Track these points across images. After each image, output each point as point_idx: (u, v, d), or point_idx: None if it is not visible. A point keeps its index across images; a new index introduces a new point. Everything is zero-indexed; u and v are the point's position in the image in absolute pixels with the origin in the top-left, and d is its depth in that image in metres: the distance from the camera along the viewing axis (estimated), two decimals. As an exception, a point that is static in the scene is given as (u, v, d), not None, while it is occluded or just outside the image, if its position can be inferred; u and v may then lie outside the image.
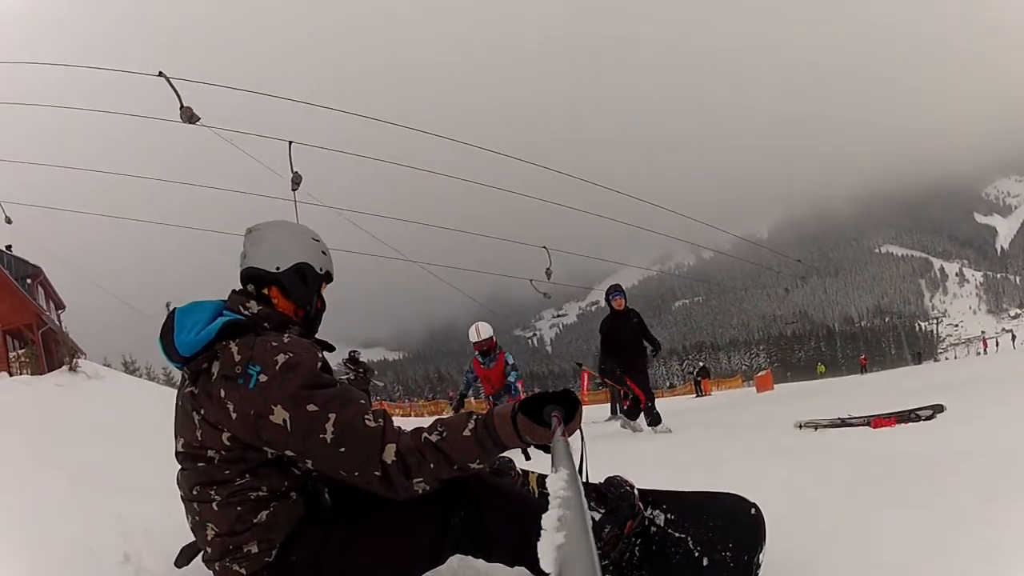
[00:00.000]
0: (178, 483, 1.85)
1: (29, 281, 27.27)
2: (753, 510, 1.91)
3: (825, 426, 5.88)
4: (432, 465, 1.63)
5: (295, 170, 8.51)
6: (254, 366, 1.68)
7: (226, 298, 1.95)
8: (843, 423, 5.82)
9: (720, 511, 1.93)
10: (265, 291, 1.94)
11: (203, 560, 1.83)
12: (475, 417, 1.67)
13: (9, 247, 28.01)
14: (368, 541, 1.75)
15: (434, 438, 1.65)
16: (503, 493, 1.83)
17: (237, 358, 1.71)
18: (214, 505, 1.74)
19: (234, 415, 1.68)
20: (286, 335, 1.81)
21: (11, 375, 19.18)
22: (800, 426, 6.05)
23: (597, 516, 1.94)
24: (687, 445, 6.22)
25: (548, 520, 0.88)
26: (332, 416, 1.64)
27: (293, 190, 8.27)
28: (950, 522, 2.23)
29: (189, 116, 7.92)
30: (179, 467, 1.84)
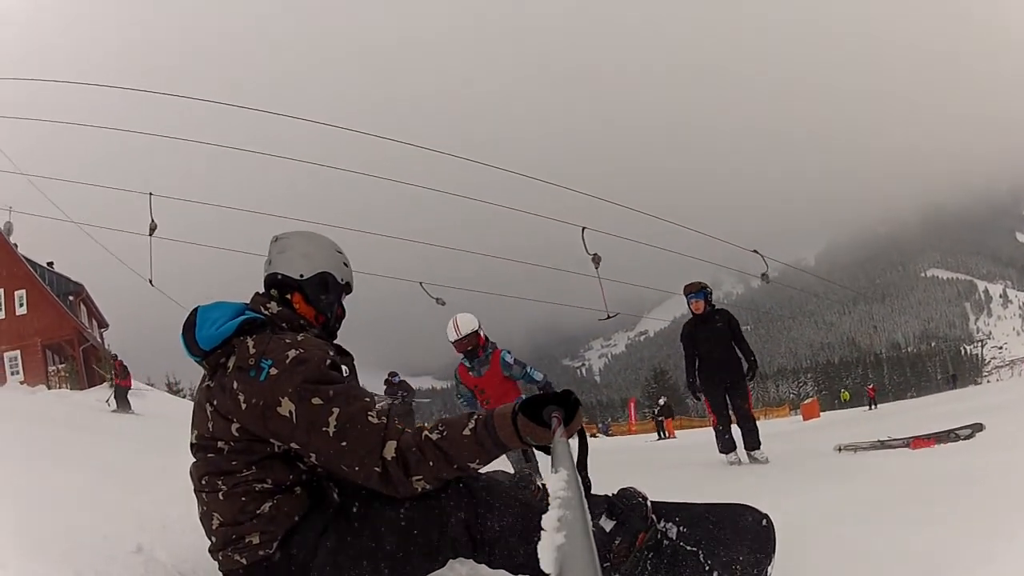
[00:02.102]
0: (190, 474, 1.89)
1: (71, 298, 28.32)
2: (764, 521, 1.88)
3: (865, 448, 5.71)
4: (431, 463, 1.64)
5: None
6: (266, 360, 1.74)
7: (248, 301, 2.01)
8: (883, 445, 5.65)
9: (732, 524, 1.89)
10: (288, 296, 2.02)
11: (208, 550, 1.86)
12: (476, 416, 1.67)
13: (51, 264, 29.16)
14: (365, 539, 1.75)
15: (435, 436, 1.65)
16: (505, 497, 1.81)
17: (252, 351, 1.78)
18: (220, 495, 1.79)
19: (244, 406, 1.73)
20: (301, 335, 1.87)
21: (49, 388, 19.76)
22: (840, 449, 5.88)
23: (608, 527, 1.89)
24: (718, 472, 6.01)
25: (548, 520, 0.87)
26: (336, 410, 1.68)
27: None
28: (977, 545, 2.14)
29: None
30: (192, 459, 1.89)
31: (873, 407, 27.94)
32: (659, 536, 1.89)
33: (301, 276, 2.02)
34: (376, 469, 1.65)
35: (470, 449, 1.63)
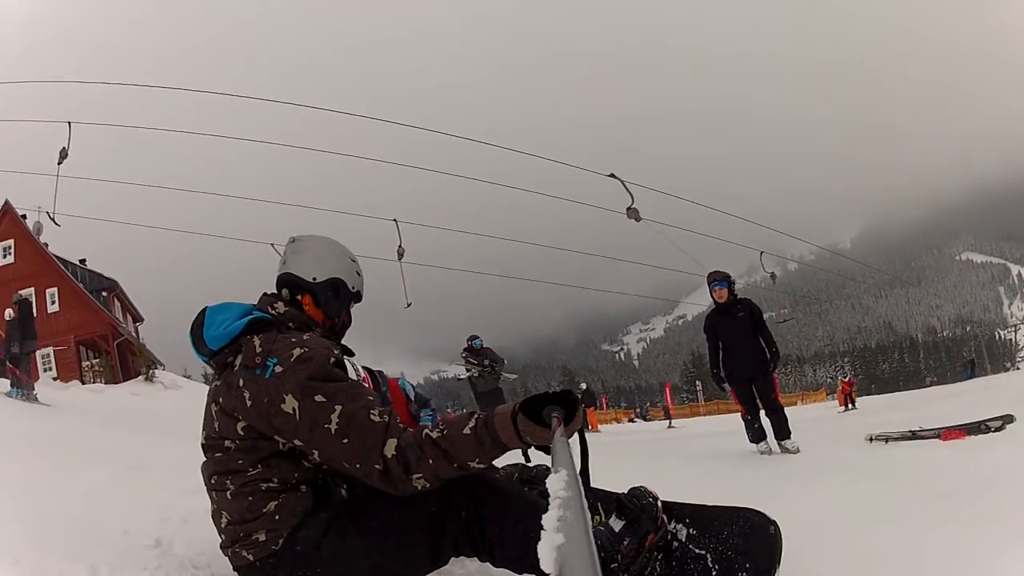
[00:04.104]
0: (201, 472, 1.95)
1: (105, 294, 28.73)
2: (772, 528, 1.85)
3: (896, 439, 5.59)
4: (431, 461, 1.64)
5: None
6: (272, 358, 1.78)
7: (257, 301, 2.05)
8: (914, 436, 5.53)
9: (741, 529, 1.87)
10: (299, 297, 2.06)
11: (220, 547, 1.92)
12: (476, 416, 1.68)
13: (83, 261, 29.68)
14: (366, 538, 1.79)
15: (435, 435, 1.66)
16: (505, 496, 1.82)
17: (258, 350, 1.82)
18: (228, 494, 1.84)
19: (249, 403, 1.77)
20: (307, 334, 1.91)
21: (83, 383, 20.12)
22: (871, 439, 5.76)
23: (618, 527, 1.88)
24: (743, 464, 5.90)
25: (548, 520, 0.88)
26: (338, 408, 1.70)
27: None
28: (1000, 547, 2.06)
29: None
30: (203, 458, 1.95)
31: (851, 407, 20.90)
32: (669, 537, 1.88)
33: (314, 279, 2.05)
34: (377, 467, 1.66)
35: (470, 448, 1.63)
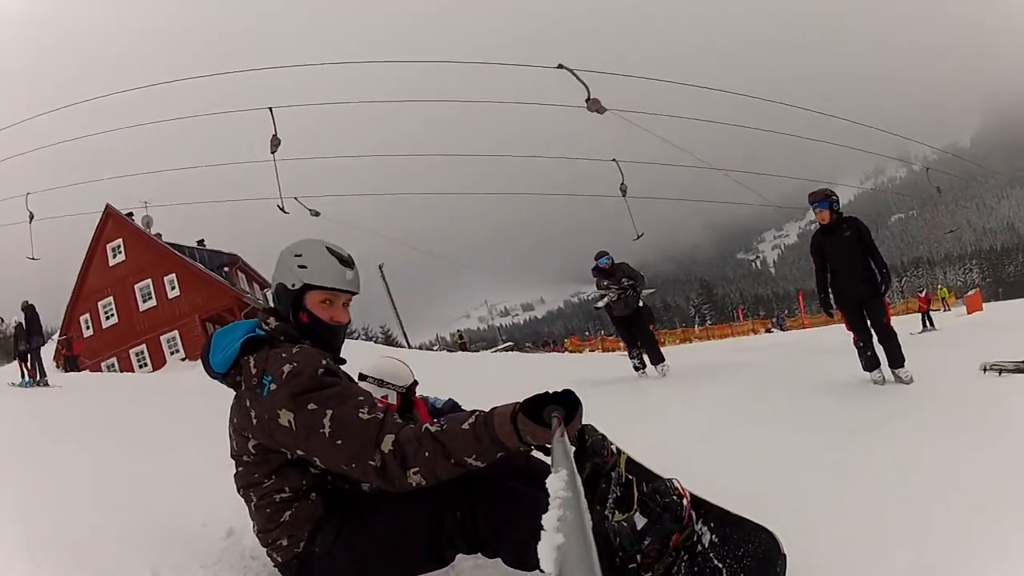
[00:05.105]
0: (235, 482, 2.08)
1: (226, 269, 30.44)
2: (780, 562, 1.81)
3: (1011, 370, 5.04)
4: (427, 454, 1.66)
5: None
6: (267, 376, 1.86)
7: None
8: (1030, 367, 4.96)
9: (756, 551, 1.83)
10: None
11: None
12: (477, 413, 1.70)
13: (201, 241, 31.57)
14: (372, 537, 1.88)
15: (434, 429, 1.69)
16: (501, 495, 1.84)
17: (254, 371, 1.91)
18: (252, 506, 1.99)
19: (255, 421, 1.88)
20: (296, 347, 1.94)
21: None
22: (985, 369, 5.23)
23: (640, 524, 1.80)
24: (852, 398, 5.46)
25: (548, 520, 0.89)
26: (329, 412, 1.76)
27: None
28: None
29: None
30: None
31: (928, 327, 18.03)
32: (695, 538, 1.79)
33: (272, 289, 2.11)
34: (371, 463, 1.70)
35: (467, 443, 1.64)
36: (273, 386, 1.83)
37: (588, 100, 10.74)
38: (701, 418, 5.23)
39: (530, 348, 45.13)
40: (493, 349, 39.28)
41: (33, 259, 20.03)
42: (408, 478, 1.68)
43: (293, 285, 2.03)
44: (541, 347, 45.41)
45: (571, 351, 35.53)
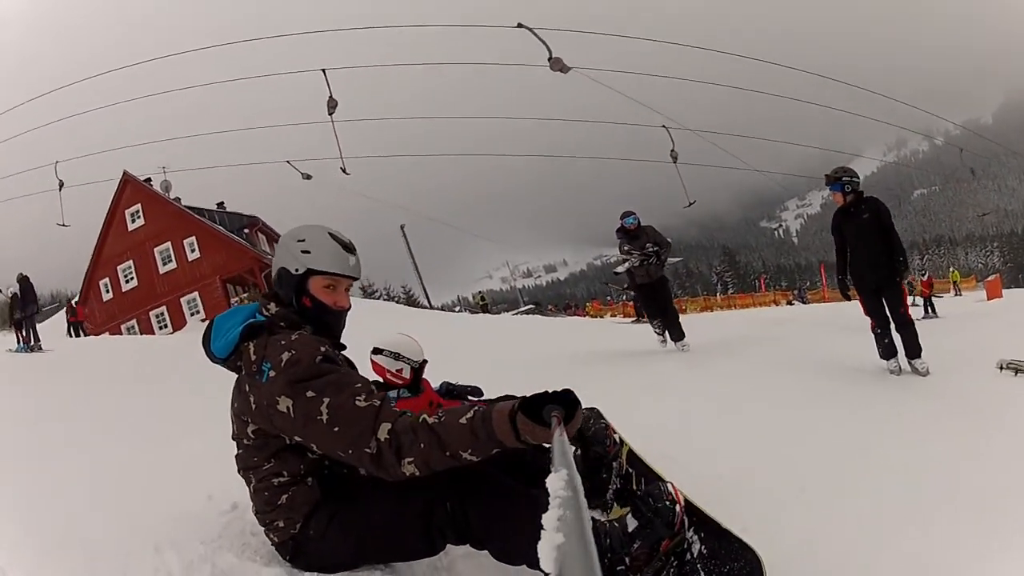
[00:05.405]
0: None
1: (247, 231, 30.68)
2: None
3: (1024, 369, 4.88)
4: (423, 445, 1.68)
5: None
6: (266, 363, 1.89)
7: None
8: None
9: (743, 569, 1.83)
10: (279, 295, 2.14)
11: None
12: (476, 408, 1.70)
13: (221, 204, 31.78)
14: (365, 523, 1.93)
15: (431, 420, 1.71)
16: (493, 490, 1.85)
17: (253, 357, 1.94)
18: (251, 488, 2.05)
19: (254, 407, 1.91)
20: (295, 333, 1.97)
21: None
22: (1002, 368, 5.08)
23: (631, 527, 1.79)
24: (865, 387, 5.36)
25: (548, 520, 0.89)
26: (326, 400, 1.79)
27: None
28: None
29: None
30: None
31: (930, 313, 17.04)
32: (686, 546, 1.80)
33: (273, 275, 2.13)
34: (367, 450, 1.72)
35: (463, 437, 1.65)
36: (272, 373, 1.86)
37: (550, 59, 10.75)
38: (710, 396, 5.17)
39: (552, 311, 44.58)
40: (514, 311, 39.33)
41: (63, 226, 20.39)
42: (402, 467, 1.70)
43: (296, 270, 2.04)
44: (563, 310, 45.16)
45: (592, 315, 35.21)
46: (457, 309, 69.72)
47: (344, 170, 13.94)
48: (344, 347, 2.13)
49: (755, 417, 4.26)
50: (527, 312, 38.31)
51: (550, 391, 1.62)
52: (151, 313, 28.40)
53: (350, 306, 2.12)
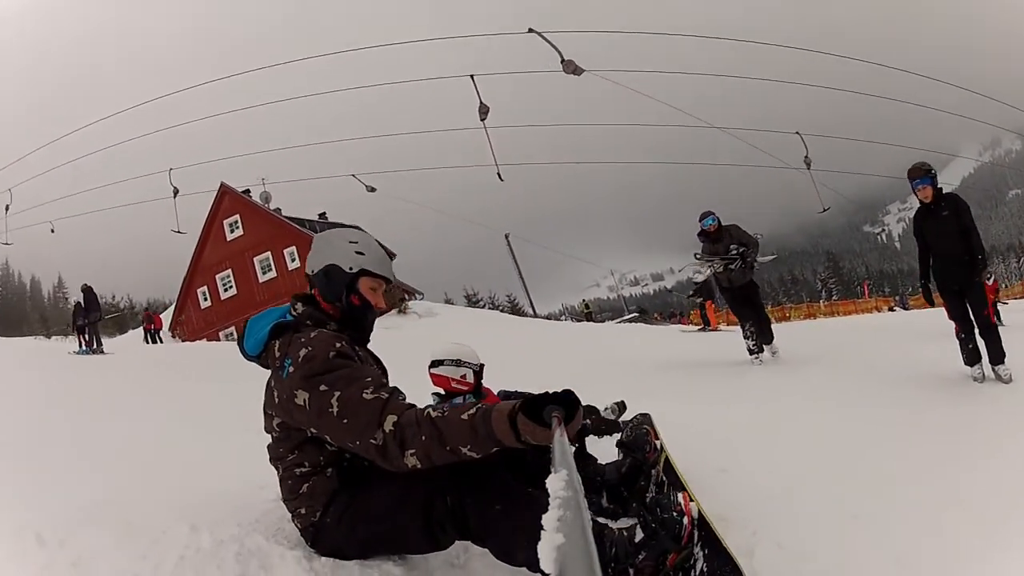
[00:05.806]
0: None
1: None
2: None
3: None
4: (424, 438, 1.73)
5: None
6: (287, 359, 2.01)
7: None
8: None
9: None
10: (313, 292, 2.25)
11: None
12: (479, 405, 1.74)
13: (323, 214, 33.18)
14: (370, 514, 2.00)
15: (435, 414, 1.76)
16: (493, 487, 1.87)
17: (277, 354, 2.09)
18: (279, 477, 2.17)
19: (277, 400, 2.04)
20: (315, 331, 2.08)
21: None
22: None
23: (638, 537, 1.72)
24: (947, 396, 5.04)
25: (548, 520, 0.89)
26: (337, 393, 1.88)
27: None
28: None
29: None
30: None
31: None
32: (691, 562, 1.73)
33: (312, 272, 2.22)
34: (373, 441, 1.79)
35: (463, 433, 1.69)
36: (291, 368, 1.97)
37: (563, 62, 10.54)
38: (777, 408, 4.96)
39: (657, 319, 44.04)
40: (618, 319, 38.99)
41: (179, 232, 21.65)
42: (405, 459, 1.76)
43: (351, 268, 2.17)
44: (667, 319, 44.46)
45: (694, 323, 34.47)
46: (563, 317, 70.10)
47: (500, 176, 14.38)
48: (368, 342, 2.25)
49: (816, 430, 4.06)
50: (631, 320, 37.59)
51: (550, 392, 1.63)
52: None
53: (386, 308, 2.18)
